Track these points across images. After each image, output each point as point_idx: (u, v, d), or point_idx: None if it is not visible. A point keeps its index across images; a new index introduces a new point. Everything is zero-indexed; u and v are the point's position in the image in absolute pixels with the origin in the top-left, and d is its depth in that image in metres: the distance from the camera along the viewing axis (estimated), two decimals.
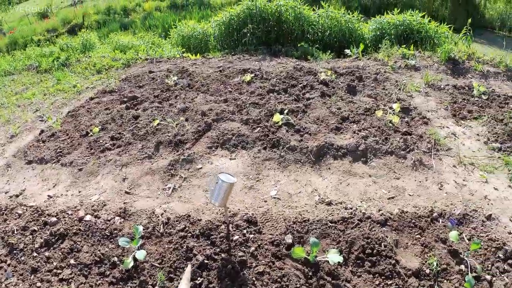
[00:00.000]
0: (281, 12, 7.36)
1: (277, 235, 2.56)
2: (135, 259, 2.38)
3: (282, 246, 2.48)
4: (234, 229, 2.61)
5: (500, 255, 2.35)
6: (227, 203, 2.42)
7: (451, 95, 4.51)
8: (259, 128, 3.83)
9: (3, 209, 3.14)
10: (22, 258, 2.56)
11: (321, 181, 3.13)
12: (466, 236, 2.50)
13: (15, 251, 2.63)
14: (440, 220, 2.62)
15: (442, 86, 4.76)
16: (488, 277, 2.22)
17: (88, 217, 2.84)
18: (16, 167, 3.89)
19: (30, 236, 2.73)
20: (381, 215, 2.66)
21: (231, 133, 3.77)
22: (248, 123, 3.98)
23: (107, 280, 2.35)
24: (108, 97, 5.35)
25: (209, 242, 2.52)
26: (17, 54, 9.96)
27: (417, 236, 2.52)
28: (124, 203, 3.02)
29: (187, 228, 2.63)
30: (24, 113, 5.46)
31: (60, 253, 2.54)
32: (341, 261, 2.26)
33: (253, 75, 5.35)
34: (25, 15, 17.53)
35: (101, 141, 4.03)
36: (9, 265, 2.53)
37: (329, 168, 3.27)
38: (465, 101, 4.37)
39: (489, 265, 2.30)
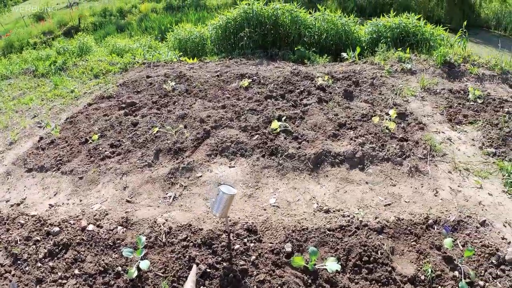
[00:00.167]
0: (277, 15, 7.41)
1: (277, 243, 2.62)
2: (139, 269, 2.44)
3: (282, 255, 2.54)
4: (235, 238, 2.67)
5: (493, 261, 2.42)
6: (227, 213, 2.48)
7: (446, 100, 4.58)
8: (257, 136, 3.88)
9: (5, 219, 3.18)
10: (27, 268, 2.60)
11: (319, 188, 3.19)
12: (460, 242, 2.57)
13: (19, 262, 2.67)
14: (435, 227, 2.69)
15: (438, 90, 4.83)
16: (481, 283, 2.29)
17: (90, 227, 2.89)
18: (16, 175, 3.92)
19: (34, 246, 2.77)
20: (377, 223, 2.73)
21: (229, 141, 3.82)
22: (246, 130, 4.03)
23: None
24: (106, 102, 5.38)
25: (210, 251, 2.57)
26: (13, 58, 9.95)
27: (413, 243, 2.59)
28: (126, 212, 3.07)
29: (189, 238, 2.69)
30: (22, 119, 5.48)
31: (64, 263, 2.58)
32: (339, 269, 2.33)
33: (250, 80, 5.40)
34: (21, 17, 17.45)
35: (100, 148, 4.07)
36: (13, 275, 2.57)
37: (326, 176, 3.33)
38: (461, 105, 4.44)
39: (482, 271, 2.37)
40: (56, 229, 2.91)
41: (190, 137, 3.99)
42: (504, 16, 12.45)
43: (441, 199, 2.98)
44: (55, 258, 2.65)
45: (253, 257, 2.51)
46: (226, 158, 3.65)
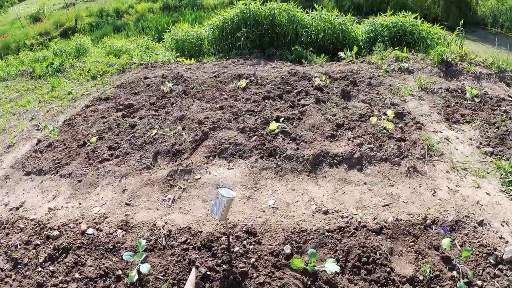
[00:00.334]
0: (274, 15, 7.41)
1: (276, 245, 2.63)
2: (139, 272, 2.44)
3: (281, 256, 2.55)
4: (235, 240, 2.68)
5: (491, 261, 2.44)
6: (227, 216, 2.49)
7: (444, 99, 4.60)
8: (255, 137, 3.89)
9: (4, 223, 3.18)
10: (27, 273, 2.60)
11: (317, 189, 3.21)
12: (458, 242, 2.59)
13: (19, 266, 2.67)
14: (433, 227, 2.71)
15: (435, 90, 4.85)
16: (479, 282, 2.31)
17: (90, 230, 2.89)
18: (15, 179, 3.92)
19: (34, 251, 2.77)
20: (376, 224, 2.74)
21: (228, 142, 3.83)
22: (244, 132, 4.03)
23: None
24: (104, 104, 5.37)
25: (210, 254, 2.58)
26: (10, 59, 9.92)
27: (411, 243, 2.61)
28: (125, 215, 3.08)
29: (188, 240, 2.70)
30: (20, 121, 5.47)
31: (64, 267, 2.59)
32: (338, 270, 2.34)
33: (248, 80, 5.40)
34: (17, 18, 17.36)
35: (99, 151, 4.07)
36: (14, 280, 2.57)
37: (325, 177, 3.34)
38: (458, 104, 4.46)
39: (480, 271, 2.39)
40: (56, 233, 2.91)
41: (189, 139, 3.99)
42: (501, 13, 12.50)
43: (439, 199, 3.00)
44: (56, 262, 2.65)
45: (253, 259, 2.53)
46: (225, 160, 3.66)
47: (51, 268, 2.61)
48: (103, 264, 2.58)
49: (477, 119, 4.08)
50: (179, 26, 8.91)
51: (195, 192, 3.29)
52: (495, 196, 3.04)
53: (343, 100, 4.66)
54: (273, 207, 3.03)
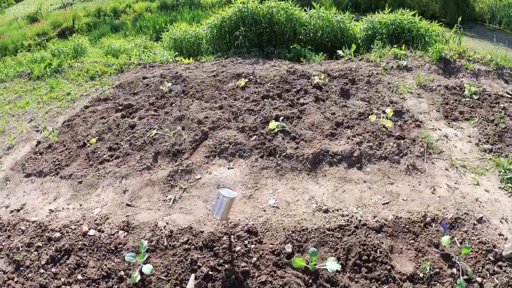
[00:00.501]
0: (272, 13, 7.40)
1: (277, 244, 2.65)
2: (141, 273, 2.46)
3: (282, 255, 2.57)
4: (236, 240, 2.69)
5: (491, 257, 2.46)
6: (228, 216, 2.50)
7: (442, 96, 4.62)
8: (255, 136, 3.90)
9: (5, 225, 3.19)
10: (30, 275, 2.62)
11: (317, 188, 3.22)
12: (458, 239, 2.61)
13: (21, 268, 2.68)
14: (433, 225, 2.72)
15: (434, 87, 4.86)
16: (479, 279, 2.33)
17: (92, 232, 2.90)
18: (15, 181, 3.92)
19: (36, 253, 2.79)
20: (376, 222, 2.76)
21: (228, 142, 3.84)
22: (244, 131, 4.04)
23: None
24: (103, 105, 5.37)
25: (212, 254, 2.60)
26: (8, 60, 9.89)
27: (411, 241, 2.63)
28: (126, 216, 3.09)
29: (190, 241, 2.71)
30: (19, 123, 5.46)
31: (67, 269, 2.60)
32: (339, 269, 2.36)
33: (247, 79, 5.41)
34: (15, 19, 17.30)
35: (99, 152, 4.07)
36: (17, 282, 2.58)
37: (325, 175, 3.36)
38: (457, 101, 4.47)
39: (480, 268, 2.41)
40: (58, 234, 2.92)
41: (188, 138, 4.00)
42: (499, 9, 12.49)
43: (438, 196, 3.02)
44: (58, 264, 2.67)
45: (254, 259, 2.54)
46: (225, 160, 3.67)
47: (53, 270, 2.63)
48: (105, 265, 2.60)
49: (476, 117, 4.10)
50: (177, 25, 8.90)
51: (195, 192, 3.30)
52: (494, 193, 3.06)
53: (342, 98, 4.67)
54: (273, 206, 3.04)
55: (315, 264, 2.42)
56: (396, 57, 5.86)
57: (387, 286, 2.34)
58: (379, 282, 2.37)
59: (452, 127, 3.98)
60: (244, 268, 2.46)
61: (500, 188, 3.11)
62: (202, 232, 2.79)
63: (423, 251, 2.54)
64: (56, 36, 14.05)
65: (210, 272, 2.46)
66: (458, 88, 4.81)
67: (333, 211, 2.94)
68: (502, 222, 2.76)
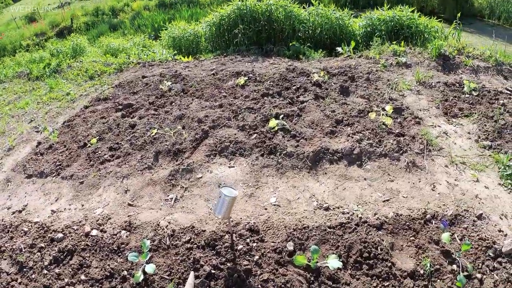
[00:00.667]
0: (271, 11, 7.39)
1: (278, 242, 2.67)
2: (144, 272, 2.48)
3: (284, 253, 2.58)
4: (238, 238, 2.71)
5: (490, 254, 2.48)
6: (230, 214, 2.52)
7: (442, 93, 4.62)
8: (255, 135, 3.91)
9: (8, 227, 3.20)
10: (33, 276, 2.63)
11: (318, 186, 3.24)
12: (458, 236, 2.63)
13: (25, 269, 2.70)
14: (433, 222, 2.74)
15: (433, 84, 4.87)
16: (479, 275, 2.35)
17: (94, 232, 2.92)
18: (17, 182, 3.93)
19: (39, 254, 2.80)
20: (377, 219, 2.78)
21: (228, 140, 3.85)
22: (244, 129, 4.05)
23: None
24: (103, 105, 5.37)
25: (214, 253, 2.62)
26: (7, 61, 9.88)
27: (411, 238, 2.64)
28: (128, 215, 3.10)
29: (192, 240, 2.73)
30: (19, 124, 5.47)
31: (70, 270, 2.62)
32: (341, 266, 2.38)
33: (246, 78, 5.41)
34: (13, 19, 17.24)
35: (99, 152, 4.08)
36: (20, 283, 2.60)
37: (325, 173, 3.37)
38: (456, 98, 4.48)
39: (480, 264, 2.43)
40: (60, 235, 2.94)
41: (189, 138, 4.01)
42: (498, 5, 12.47)
43: (438, 193, 3.04)
44: (61, 265, 2.68)
45: (256, 257, 2.56)
46: (226, 158, 3.68)
47: (56, 270, 2.64)
48: (108, 265, 2.61)
49: (475, 113, 4.11)
50: (175, 24, 8.89)
51: (197, 191, 3.31)
52: (493, 189, 3.07)
53: (341, 95, 4.68)
54: (274, 205, 3.06)
55: (317, 262, 2.44)
56: (395, 54, 5.86)
57: (388, 283, 2.36)
58: (380, 279, 2.39)
59: (452, 124, 3.99)
60: (246, 267, 2.48)
61: (500, 184, 3.13)
62: (204, 231, 2.81)
63: (424, 248, 2.56)
64: (55, 36, 14.02)
65: (213, 271, 2.47)
66: (457, 84, 4.81)
67: (333, 208, 2.96)
68: (501, 219, 2.78)
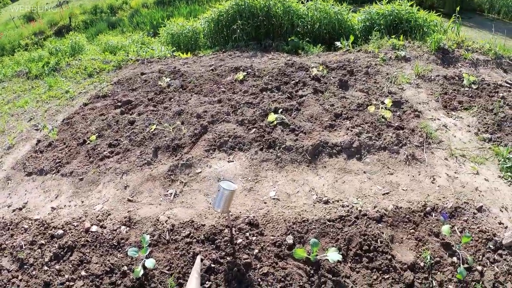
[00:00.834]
0: (269, 6, 7.36)
1: (278, 236, 2.66)
2: (144, 267, 2.48)
3: (283, 247, 2.58)
4: (237, 232, 2.71)
5: (491, 246, 2.48)
6: (229, 208, 2.51)
7: (441, 86, 4.61)
8: (254, 129, 3.90)
9: (8, 224, 3.21)
10: (34, 272, 2.64)
11: (317, 179, 3.23)
12: (458, 228, 2.62)
13: (25, 266, 2.71)
14: (433, 214, 2.74)
15: (432, 77, 4.85)
16: (479, 267, 2.35)
17: (94, 228, 2.92)
18: (17, 180, 3.93)
19: (39, 250, 2.81)
20: (376, 212, 2.78)
21: (227, 135, 3.84)
22: (243, 124, 4.05)
23: None
24: (102, 102, 5.37)
25: (214, 247, 2.62)
26: (6, 60, 9.87)
27: (411, 230, 2.64)
28: (128, 211, 3.10)
29: (192, 234, 2.73)
30: (19, 122, 5.47)
31: (70, 266, 2.62)
32: (340, 259, 2.37)
33: (245, 73, 5.40)
34: (11, 19, 17.20)
35: (99, 148, 4.08)
36: (21, 280, 2.61)
37: (324, 167, 3.37)
38: (456, 91, 4.46)
39: (480, 256, 2.42)
40: (60, 231, 2.94)
41: (188, 133, 4.00)
42: None
43: (438, 186, 3.03)
44: (61, 261, 2.69)
45: (256, 251, 2.56)
46: (225, 153, 3.68)
47: (57, 266, 2.65)
48: (108, 260, 2.62)
49: (475, 106, 4.09)
50: (174, 20, 8.85)
51: (196, 186, 3.31)
52: (493, 182, 3.06)
53: (340, 90, 4.66)
54: (274, 198, 3.06)
55: (316, 255, 2.44)
56: (395, 48, 5.84)
57: (388, 276, 2.36)
58: (380, 272, 2.39)
59: (451, 117, 3.97)
60: (246, 260, 2.48)
61: (500, 177, 3.12)
62: (204, 225, 2.81)
63: (424, 241, 2.56)
64: (53, 35, 13.98)
65: (212, 265, 2.48)
66: (457, 78, 4.79)
67: (333, 202, 2.95)
68: (502, 211, 2.77)
